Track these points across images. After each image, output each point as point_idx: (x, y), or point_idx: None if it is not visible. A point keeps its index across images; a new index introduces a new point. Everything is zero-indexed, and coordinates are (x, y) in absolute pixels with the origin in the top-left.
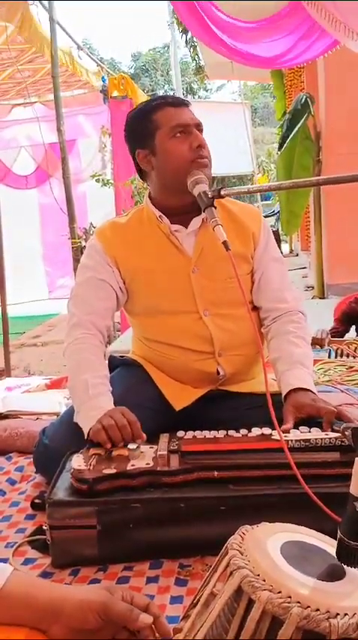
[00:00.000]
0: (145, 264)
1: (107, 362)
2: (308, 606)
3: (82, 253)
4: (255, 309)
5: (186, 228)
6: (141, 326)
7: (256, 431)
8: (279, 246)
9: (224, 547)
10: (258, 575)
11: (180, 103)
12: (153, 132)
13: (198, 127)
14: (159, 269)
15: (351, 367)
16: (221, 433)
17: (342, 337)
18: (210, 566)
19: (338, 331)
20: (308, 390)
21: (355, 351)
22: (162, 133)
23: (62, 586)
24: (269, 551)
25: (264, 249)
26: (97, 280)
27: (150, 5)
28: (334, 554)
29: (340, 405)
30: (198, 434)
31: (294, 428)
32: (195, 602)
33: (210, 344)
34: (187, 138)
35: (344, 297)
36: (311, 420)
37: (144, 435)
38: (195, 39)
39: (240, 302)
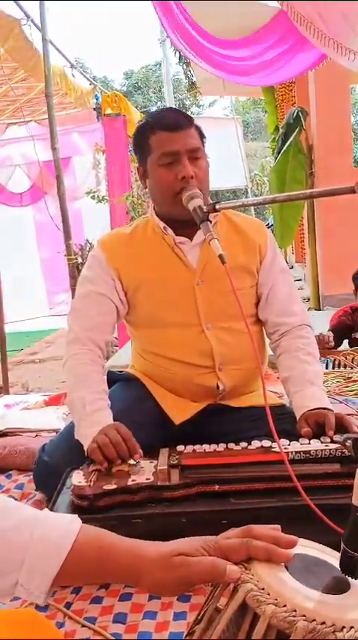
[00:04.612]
0: (149, 276)
1: (105, 377)
2: (314, 620)
3: (78, 270)
4: (257, 322)
5: (191, 240)
6: (141, 338)
7: (256, 443)
8: None
9: None
10: (263, 589)
11: (176, 127)
12: (146, 155)
13: (193, 152)
14: (163, 281)
15: (349, 378)
16: (221, 446)
17: (336, 349)
18: None
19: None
20: (321, 408)
21: (352, 362)
22: (153, 158)
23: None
24: (273, 565)
25: (271, 261)
26: (97, 294)
27: (142, 23)
28: (338, 566)
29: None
30: (198, 448)
31: (295, 440)
32: (199, 618)
33: (211, 358)
34: (175, 167)
35: (339, 308)
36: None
37: (141, 451)
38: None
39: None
